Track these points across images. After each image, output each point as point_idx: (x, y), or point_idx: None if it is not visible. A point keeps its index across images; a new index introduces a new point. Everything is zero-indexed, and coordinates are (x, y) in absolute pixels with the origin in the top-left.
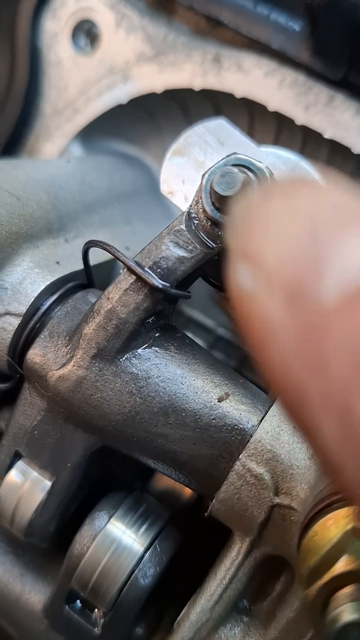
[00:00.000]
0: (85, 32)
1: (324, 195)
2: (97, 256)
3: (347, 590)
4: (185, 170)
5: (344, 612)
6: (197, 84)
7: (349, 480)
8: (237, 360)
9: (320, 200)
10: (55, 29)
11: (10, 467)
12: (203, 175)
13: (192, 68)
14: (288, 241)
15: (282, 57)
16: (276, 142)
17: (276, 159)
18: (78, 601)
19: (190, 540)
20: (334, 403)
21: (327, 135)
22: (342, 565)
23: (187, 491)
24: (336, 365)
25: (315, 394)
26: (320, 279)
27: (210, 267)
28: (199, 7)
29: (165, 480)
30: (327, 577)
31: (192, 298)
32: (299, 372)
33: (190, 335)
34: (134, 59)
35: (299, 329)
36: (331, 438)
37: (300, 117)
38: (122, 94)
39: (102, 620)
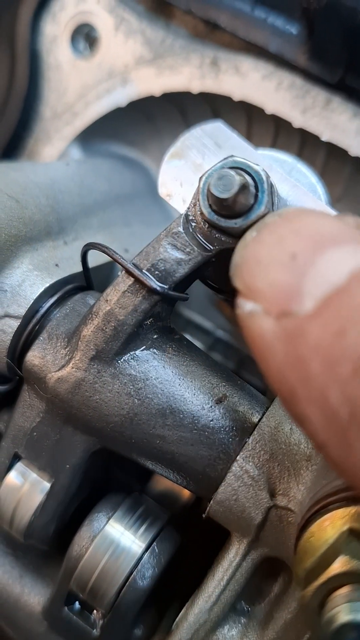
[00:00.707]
0: (85, 36)
1: (301, 223)
2: (96, 258)
3: (343, 590)
4: (183, 172)
5: (340, 613)
6: (195, 87)
7: (334, 457)
8: (236, 362)
9: (299, 228)
10: (55, 33)
11: (9, 468)
12: (200, 177)
13: (190, 71)
14: (274, 270)
15: (280, 61)
16: (274, 144)
17: (273, 161)
18: (77, 603)
19: (190, 541)
20: (314, 396)
21: (324, 138)
22: (338, 566)
23: (186, 493)
24: (312, 364)
25: (300, 390)
26: (299, 295)
27: (209, 269)
28: (197, 10)
29: (164, 482)
30: (323, 577)
31: (191, 300)
32: (287, 374)
33: (189, 337)
34: (133, 63)
35: (286, 339)
36: (316, 423)
37: (298, 120)
38: (121, 97)
39: (101, 622)
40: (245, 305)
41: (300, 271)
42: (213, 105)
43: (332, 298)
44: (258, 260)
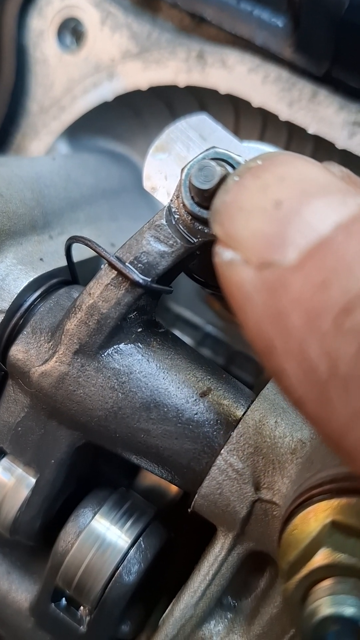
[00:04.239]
0: (71, 30)
1: (287, 169)
2: (82, 253)
3: (325, 583)
4: (167, 165)
5: (322, 606)
6: (182, 80)
7: (311, 413)
8: (225, 357)
9: (284, 175)
10: (41, 27)
11: None
12: (182, 169)
13: (176, 65)
14: (256, 217)
15: (266, 53)
16: (262, 138)
17: (257, 153)
18: (64, 599)
19: (178, 536)
20: (292, 349)
21: (311, 131)
22: (320, 558)
23: (173, 488)
24: (292, 317)
25: (278, 342)
26: (283, 245)
27: (194, 262)
28: (183, 4)
29: (151, 477)
30: (305, 570)
31: (180, 295)
32: (265, 326)
33: (177, 332)
34: (119, 57)
35: (266, 290)
36: (293, 377)
37: (284, 112)
38: (107, 91)
39: (87, 618)
40: (224, 254)
41: (285, 220)
42: (200, 99)
43: (317, 249)
44: (240, 207)
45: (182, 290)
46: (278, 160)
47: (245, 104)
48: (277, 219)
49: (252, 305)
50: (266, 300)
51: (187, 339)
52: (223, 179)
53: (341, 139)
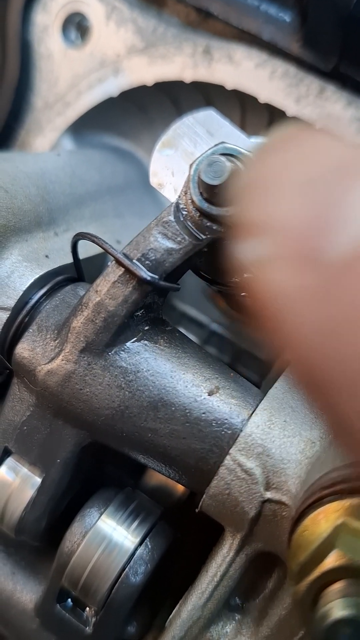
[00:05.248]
0: (76, 25)
1: (325, 148)
2: (87, 250)
3: (337, 586)
4: (174, 161)
5: (334, 609)
6: (188, 76)
7: None
8: (231, 355)
9: (323, 155)
10: (46, 22)
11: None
12: (191, 165)
13: (182, 60)
14: (293, 202)
15: (273, 49)
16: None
17: None
18: (69, 600)
19: (185, 536)
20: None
21: (318, 127)
22: (332, 560)
23: (180, 487)
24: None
25: (338, 375)
26: (330, 237)
27: (201, 260)
28: None
29: (157, 477)
30: (316, 572)
31: (186, 293)
32: (319, 351)
33: (183, 330)
34: (125, 52)
35: (313, 294)
36: (356, 420)
37: (292, 108)
38: (113, 87)
39: (93, 619)
40: (251, 248)
41: (331, 207)
42: (206, 95)
43: None
44: (269, 185)
45: (187, 288)
46: (304, 135)
47: (252, 99)
48: (319, 198)
49: (296, 320)
50: (318, 312)
51: (192, 337)
52: (233, 175)
53: (349, 136)
